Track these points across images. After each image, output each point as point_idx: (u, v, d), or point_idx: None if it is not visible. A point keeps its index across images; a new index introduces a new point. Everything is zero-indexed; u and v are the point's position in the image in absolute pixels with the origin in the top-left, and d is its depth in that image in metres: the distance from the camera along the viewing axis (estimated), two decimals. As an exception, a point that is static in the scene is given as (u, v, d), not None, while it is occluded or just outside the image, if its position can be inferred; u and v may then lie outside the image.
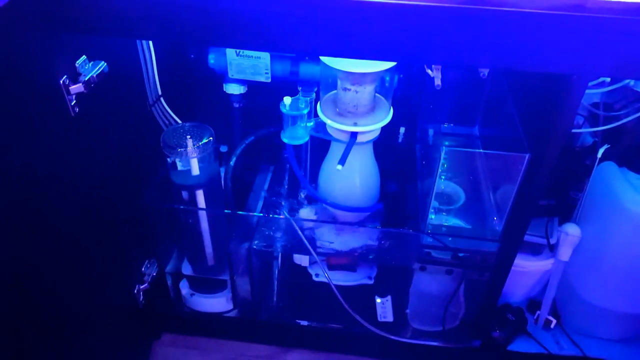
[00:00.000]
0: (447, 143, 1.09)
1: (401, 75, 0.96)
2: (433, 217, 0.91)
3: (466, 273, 0.94)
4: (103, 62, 0.73)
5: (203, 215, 0.95)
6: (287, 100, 0.85)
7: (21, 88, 0.61)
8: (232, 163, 0.97)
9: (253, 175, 1.12)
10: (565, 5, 0.55)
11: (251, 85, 0.98)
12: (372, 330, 0.98)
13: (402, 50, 0.60)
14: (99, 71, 0.72)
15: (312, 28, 0.60)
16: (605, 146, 0.93)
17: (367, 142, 0.88)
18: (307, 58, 0.93)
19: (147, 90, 0.92)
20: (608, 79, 0.94)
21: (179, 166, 0.89)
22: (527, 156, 0.76)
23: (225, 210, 0.98)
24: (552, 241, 1.00)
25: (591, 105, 1.00)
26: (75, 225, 0.76)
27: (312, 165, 0.98)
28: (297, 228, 0.94)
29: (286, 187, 1.08)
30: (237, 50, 0.91)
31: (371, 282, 1.08)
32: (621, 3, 0.55)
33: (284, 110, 0.85)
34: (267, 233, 0.98)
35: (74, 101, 0.69)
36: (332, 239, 0.97)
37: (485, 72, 0.93)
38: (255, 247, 0.97)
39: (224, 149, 1.05)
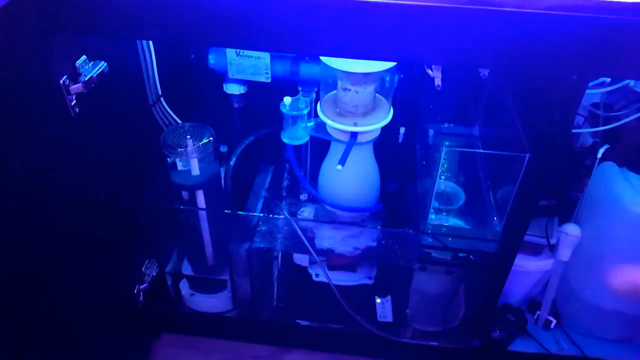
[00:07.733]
0: (447, 143, 1.09)
1: (401, 75, 0.96)
2: (433, 217, 0.91)
3: (466, 273, 0.94)
4: (103, 62, 0.73)
5: (203, 215, 0.95)
6: (287, 100, 0.85)
7: (21, 88, 0.61)
8: (232, 163, 0.97)
9: (253, 175, 1.12)
10: (565, 6, 0.55)
11: (251, 85, 0.98)
12: (372, 330, 0.98)
13: (402, 50, 0.60)
14: (99, 71, 0.72)
15: (312, 28, 0.60)
16: (605, 146, 0.93)
17: (367, 142, 0.88)
18: (307, 58, 0.93)
19: (147, 90, 0.92)
20: (608, 79, 0.94)
21: (179, 166, 0.89)
22: (527, 156, 0.76)
23: (225, 210, 0.98)
24: (552, 241, 1.00)
25: (591, 105, 1.00)
26: (75, 225, 0.76)
27: (312, 165, 0.98)
28: (297, 228, 0.94)
29: (286, 187, 1.08)
30: (237, 50, 0.91)
31: (371, 282, 1.08)
32: (621, 3, 0.54)
33: (284, 110, 0.85)
34: (267, 233, 0.98)
35: (74, 101, 0.69)
36: (332, 239, 0.97)
37: (485, 72, 0.93)
38: (255, 247, 0.97)
39: (224, 149, 1.05)
